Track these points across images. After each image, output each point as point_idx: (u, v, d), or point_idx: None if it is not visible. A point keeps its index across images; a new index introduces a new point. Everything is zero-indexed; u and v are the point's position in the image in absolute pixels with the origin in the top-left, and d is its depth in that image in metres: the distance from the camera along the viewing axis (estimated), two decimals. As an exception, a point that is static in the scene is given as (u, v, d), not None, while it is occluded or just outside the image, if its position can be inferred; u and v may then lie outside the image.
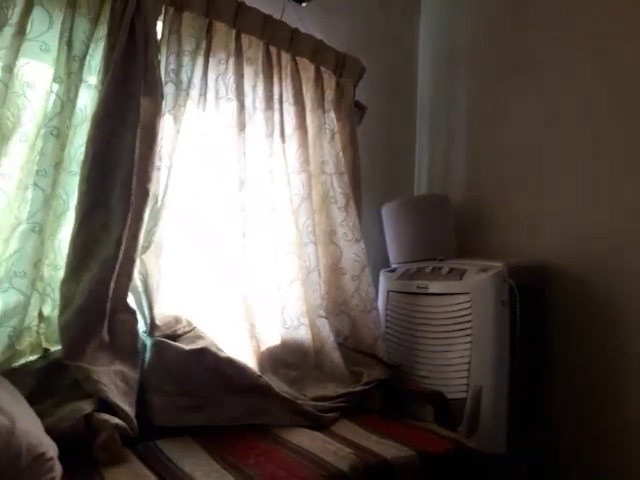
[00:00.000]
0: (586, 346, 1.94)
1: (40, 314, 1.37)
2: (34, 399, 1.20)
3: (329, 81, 2.09)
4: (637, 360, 1.81)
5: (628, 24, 1.89)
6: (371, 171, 2.25)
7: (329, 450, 1.37)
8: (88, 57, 1.52)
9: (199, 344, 1.54)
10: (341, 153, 2.03)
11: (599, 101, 1.95)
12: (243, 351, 1.70)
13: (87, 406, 1.19)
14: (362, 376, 1.84)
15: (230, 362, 1.54)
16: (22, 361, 1.31)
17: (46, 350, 1.36)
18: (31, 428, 0.85)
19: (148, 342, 1.51)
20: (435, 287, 1.94)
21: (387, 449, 1.42)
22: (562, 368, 1.99)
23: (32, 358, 1.33)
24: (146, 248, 1.55)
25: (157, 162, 1.57)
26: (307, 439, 1.45)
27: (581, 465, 1.91)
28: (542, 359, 2.01)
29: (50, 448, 0.85)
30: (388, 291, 2.13)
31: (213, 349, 1.54)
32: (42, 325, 1.37)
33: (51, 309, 1.39)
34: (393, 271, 2.17)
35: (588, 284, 1.96)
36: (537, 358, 1.98)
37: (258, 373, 1.58)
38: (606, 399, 1.87)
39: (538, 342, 1.99)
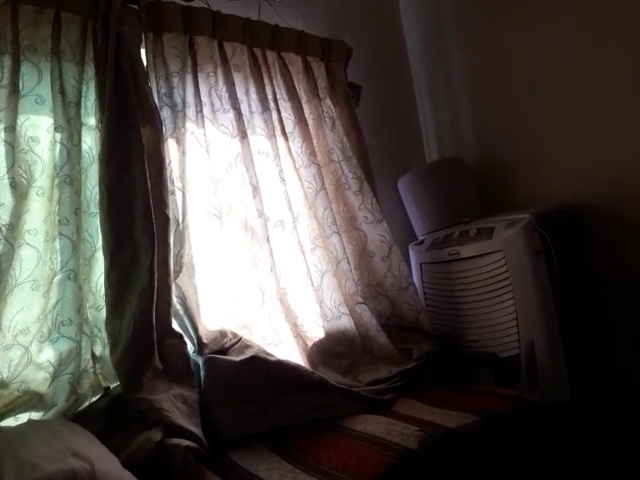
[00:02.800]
0: (632, 281, 1.90)
1: (93, 355, 1.42)
2: (105, 437, 1.24)
3: (319, 69, 2.08)
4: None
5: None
6: (379, 149, 2.24)
7: (395, 431, 1.38)
8: (83, 100, 1.55)
9: (248, 353, 1.57)
10: (345, 138, 2.02)
11: (607, 30, 1.86)
12: (292, 351, 1.72)
13: (156, 434, 1.23)
14: (412, 352, 1.84)
15: (281, 364, 1.56)
16: (86, 403, 1.36)
17: (107, 388, 1.40)
18: (110, 467, 0.89)
19: (200, 361, 1.54)
20: (467, 251, 1.93)
21: (451, 419, 1.43)
22: (612, 309, 1.96)
23: (95, 398, 1.37)
24: (178, 272, 1.58)
25: (170, 186, 1.59)
26: (371, 424, 1.46)
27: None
28: (590, 303, 1.98)
29: (131, 481, 0.88)
30: (420, 264, 2.13)
31: (262, 355, 1.57)
32: (97, 365, 1.41)
33: (102, 348, 1.44)
34: (421, 243, 2.16)
35: (619, 217, 1.92)
36: (584, 303, 1.95)
37: (310, 369, 1.60)
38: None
39: (582, 285, 1.96)
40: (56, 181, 1.42)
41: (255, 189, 1.76)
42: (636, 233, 1.88)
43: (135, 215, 1.47)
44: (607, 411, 1.87)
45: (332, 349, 1.79)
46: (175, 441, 1.22)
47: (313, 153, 1.93)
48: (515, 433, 1.49)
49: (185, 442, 1.23)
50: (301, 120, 1.94)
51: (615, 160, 1.90)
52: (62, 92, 1.50)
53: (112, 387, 1.40)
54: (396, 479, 1.23)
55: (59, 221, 1.40)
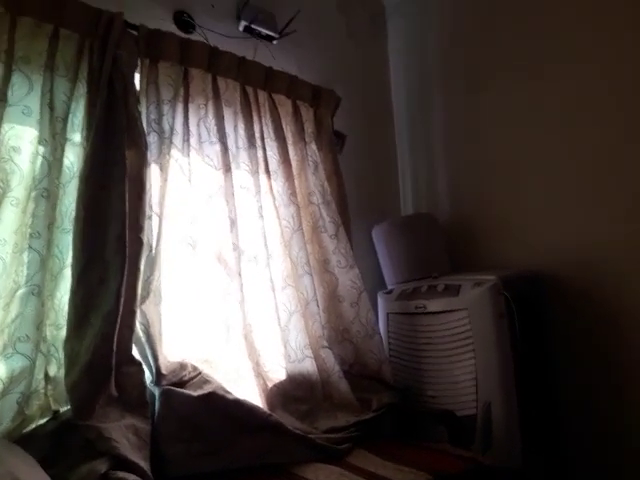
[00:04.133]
0: (587, 345, 1.96)
1: (46, 376, 1.36)
2: (48, 463, 1.18)
3: (307, 114, 2.14)
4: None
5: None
6: (358, 196, 2.29)
7: (347, 483, 1.36)
8: (70, 116, 1.54)
9: (206, 389, 1.54)
10: (326, 182, 2.06)
11: (580, 107, 1.99)
12: (251, 390, 1.69)
13: (102, 466, 1.18)
14: (371, 402, 1.83)
15: (239, 404, 1.53)
16: (32, 425, 1.29)
17: (56, 412, 1.34)
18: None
19: (156, 392, 1.50)
20: (433, 305, 1.96)
21: (404, 476, 1.42)
22: (567, 376, 2.00)
23: (42, 421, 1.31)
24: (145, 298, 1.55)
25: (147, 211, 1.59)
26: (323, 474, 1.44)
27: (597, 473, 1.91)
28: (547, 368, 2.02)
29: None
30: (388, 313, 2.14)
31: (220, 392, 1.54)
32: (49, 387, 1.35)
33: (57, 369, 1.38)
34: (390, 292, 2.18)
35: (580, 289, 1.99)
36: (542, 367, 1.99)
37: (268, 412, 1.58)
38: (615, 397, 1.88)
39: (541, 351, 2.00)
40: (33, 194, 1.40)
41: (233, 223, 1.76)
42: (594, 305, 1.95)
43: (109, 236, 1.46)
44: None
45: (292, 392, 1.77)
46: (120, 475, 1.17)
47: (294, 193, 1.96)
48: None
49: (131, 477, 1.18)
50: (285, 160, 1.98)
51: (578, 233, 1.99)
52: (51, 106, 1.50)
53: (62, 411, 1.34)
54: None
55: (30, 234, 1.36)
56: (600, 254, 1.93)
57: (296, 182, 2.01)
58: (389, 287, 2.26)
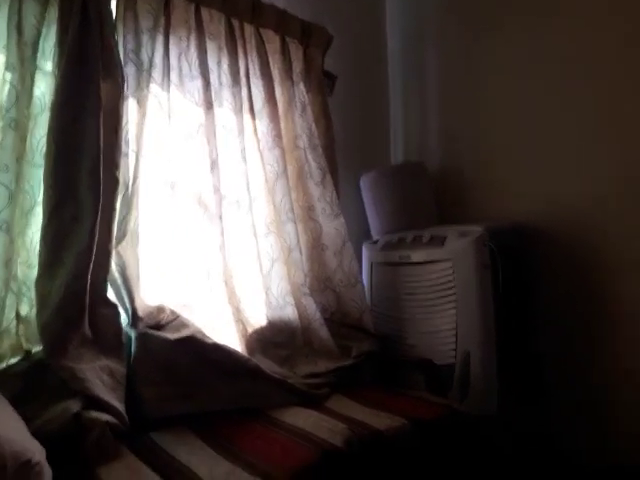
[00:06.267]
0: (571, 298, 1.97)
1: (17, 315, 1.32)
2: (20, 402, 1.16)
3: (296, 52, 2.02)
4: (621, 301, 1.84)
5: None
6: (346, 143, 2.21)
7: (323, 427, 1.37)
8: (41, 42, 1.44)
9: (184, 332, 1.51)
10: (314, 126, 1.98)
11: (572, 64, 1.92)
12: (231, 336, 1.68)
13: (75, 405, 1.16)
14: (351, 350, 1.84)
15: (217, 348, 1.52)
16: (3, 365, 1.26)
17: (28, 352, 1.31)
18: (14, 435, 0.82)
19: (132, 334, 1.47)
20: (417, 256, 1.93)
21: (380, 420, 1.44)
22: (549, 326, 2.02)
23: (14, 361, 1.28)
24: (121, 238, 1.50)
25: (124, 148, 1.51)
26: (301, 417, 1.45)
27: (574, 423, 1.95)
28: (529, 320, 2.04)
29: (36, 453, 0.82)
30: (372, 263, 2.12)
31: (199, 336, 1.52)
32: (21, 326, 1.32)
33: (29, 309, 1.35)
34: (375, 243, 2.15)
35: (565, 239, 1.98)
36: (524, 319, 2.01)
37: (247, 356, 1.57)
38: (597, 349, 1.90)
39: (523, 303, 2.01)
40: (0, 124, 1.31)
41: (214, 163, 1.69)
42: (580, 257, 1.95)
43: (82, 172, 1.39)
44: (530, 429, 1.94)
45: (272, 338, 1.76)
46: (94, 414, 1.16)
47: (279, 136, 1.89)
48: (441, 441, 1.51)
49: (105, 416, 1.17)
50: (271, 100, 1.89)
51: (568, 186, 1.96)
52: (19, 30, 1.39)
53: (34, 351, 1.31)
54: (317, 474, 1.22)
55: (-2, 167, 1.29)
56: (589, 206, 1.91)
57: (282, 124, 1.92)
58: (375, 238, 2.24)
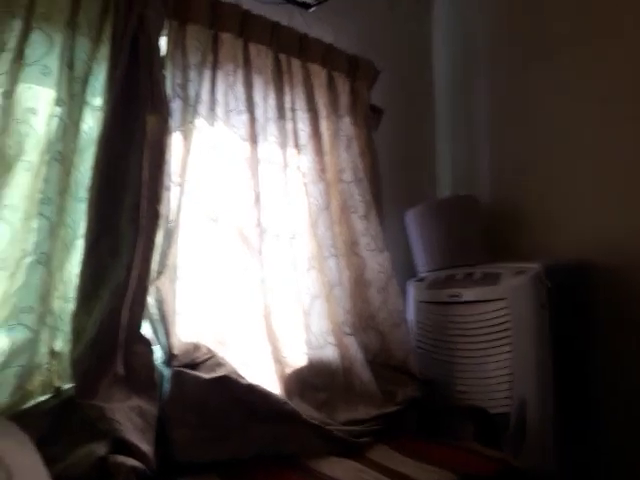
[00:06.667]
0: (637, 341, 1.79)
1: (51, 350, 1.29)
2: (46, 442, 1.12)
3: (342, 85, 2.00)
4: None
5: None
6: (391, 176, 2.15)
7: (364, 481, 1.26)
8: (91, 78, 1.46)
9: (219, 372, 1.46)
10: (359, 159, 1.93)
11: (632, 91, 1.80)
12: (268, 376, 1.61)
13: (101, 448, 1.11)
14: (395, 395, 1.73)
15: (252, 389, 1.45)
16: (33, 402, 1.23)
17: (58, 388, 1.28)
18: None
19: (166, 373, 1.43)
20: (468, 294, 1.83)
21: (427, 475, 1.32)
22: (610, 372, 1.84)
23: (43, 398, 1.25)
24: (160, 273, 1.48)
25: (167, 182, 1.50)
26: (340, 469, 1.35)
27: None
28: (589, 366, 1.87)
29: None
30: (418, 302, 2.02)
31: (234, 376, 1.45)
32: (54, 362, 1.29)
33: (63, 344, 1.32)
34: (422, 280, 2.06)
35: (633, 279, 1.81)
36: (583, 364, 1.84)
37: (283, 399, 1.49)
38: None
39: (583, 346, 1.85)
40: (46, 157, 1.32)
41: (257, 197, 1.66)
42: (633, 294, 1.78)
43: (124, 206, 1.37)
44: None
45: (311, 380, 1.68)
46: (120, 459, 1.10)
47: (323, 170, 1.84)
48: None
49: (131, 461, 1.11)
50: (316, 134, 1.86)
51: (631, 222, 1.81)
52: (70, 66, 1.41)
53: (64, 388, 1.28)
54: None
55: (41, 200, 1.29)
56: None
57: (326, 158, 1.88)
58: (421, 275, 2.13)
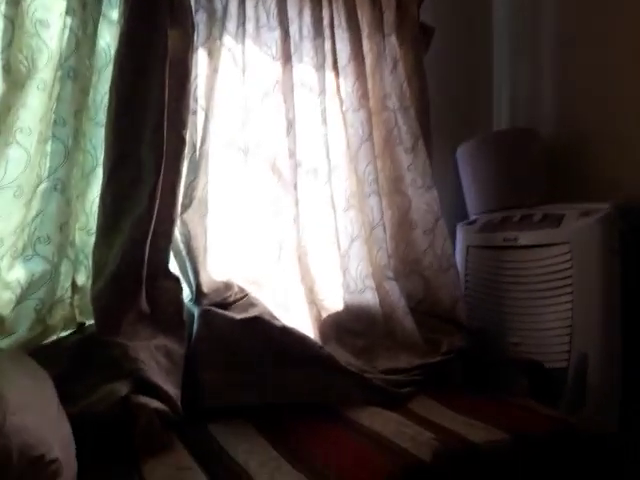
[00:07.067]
0: None
1: (73, 285, 1.23)
2: (68, 379, 1.07)
3: (388, 1, 1.77)
4: None
5: None
6: (441, 106, 1.92)
7: (406, 434, 1.15)
8: (106, -14, 1.32)
9: (252, 312, 1.36)
10: (405, 84, 1.72)
11: None
12: (302, 319, 1.50)
13: (123, 387, 1.03)
14: (440, 345, 1.60)
15: (287, 331, 1.35)
16: (54, 337, 1.17)
17: (81, 324, 1.21)
18: (30, 423, 0.68)
19: (195, 312, 1.34)
20: (526, 238, 1.65)
21: (475, 432, 1.19)
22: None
23: (65, 333, 1.19)
24: (187, 206, 1.37)
25: (192, 105, 1.36)
26: (380, 420, 1.24)
27: None
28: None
29: (55, 447, 0.68)
30: (468, 246, 1.86)
31: (267, 317, 1.35)
32: (76, 297, 1.23)
33: (86, 278, 1.25)
34: (473, 223, 1.88)
35: None
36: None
37: (319, 343, 1.38)
38: None
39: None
40: (59, 74, 1.21)
41: (290, 125, 1.51)
42: None
43: (145, 130, 1.26)
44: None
45: (349, 325, 1.56)
46: (142, 400, 1.03)
47: (365, 96, 1.65)
48: (550, 460, 1.23)
49: (154, 403, 1.03)
50: (358, 55, 1.65)
51: None
52: (83, -28, 1.27)
53: (88, 324, 1.21)
54: (397, 494, 1.01)
55: (54, 121, 1.19)
56: None
57: (369, 82, 1.68)
58: (472, 217, 1.95)
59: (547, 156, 1.92)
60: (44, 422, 0.72)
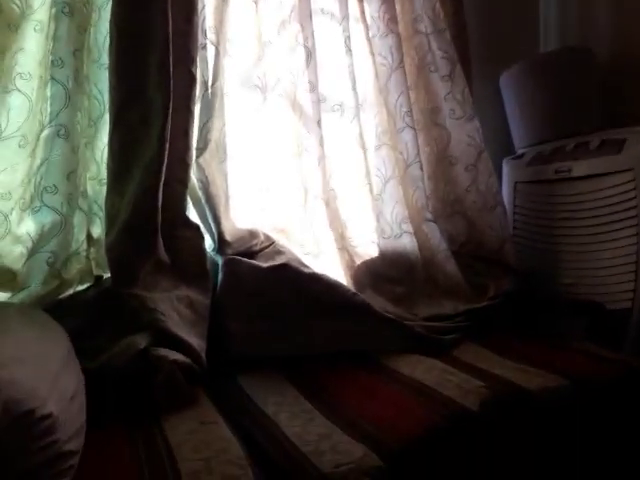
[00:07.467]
0: None
1: (89, 236, 1.17)
2: (86, 333, 1.02)
3: None
4: None
5: None
6: (481, 27, 1.74)
7: (451, 382, 1.06)
8: None
9: (279, 260, 1.27)
10: (438, 5, 1.54)
11: None
12: (334, 267, 1.41)
13: (142, 340, 0.98)
14: (487, 289, 1.48)
15: (317, 278, 1.26)
16: (70, 291, 1.12)
17: (98, 277, 1.16)
18: (22, 377, 0.62)
19: (219, 261, 1.26)
20: (582, 168, 1.49)
21: (529, 378, 1.09)
22: None
23: (82, 287, 1.14)
24: (203, 149, 1.27)
25: (201, 39, 1.25)
26: (421, 368, 1.14)
27: None
28: None
29: (48, 402, 0.62)
30: (515, 182, 1.70)
31: (296, 265, 1.27)
32: (92, 249, 1.17)
33: (101, 230, 1.19)
34: (520, 157, 1.72)
35: None
36: None
37: (353, 290, 1.28)
38: None
39: None
40: (53, 10, 1.12)
41: (309, 55, 1.38)
42: None
43: (149, 67, 1.16)
44: None
45: (385, 272, 1.46)
46: (162, 352, 0.97)
47: (394, 19, 1.49)
48: (613, 407, 1.12)
49: (174, 355, 0.97)
50: (383, -28, 1.49)
51: None
52: None
53: (105, 278, 1.15)
54: (441, 445, 0.92)
55: (52, 62, 1.11)
56: None
57: (397, 4, 1.52)
58: (519, 152, 1.78)
59: (602, 78, 1.71)
60: (40, 376, 0.66)
